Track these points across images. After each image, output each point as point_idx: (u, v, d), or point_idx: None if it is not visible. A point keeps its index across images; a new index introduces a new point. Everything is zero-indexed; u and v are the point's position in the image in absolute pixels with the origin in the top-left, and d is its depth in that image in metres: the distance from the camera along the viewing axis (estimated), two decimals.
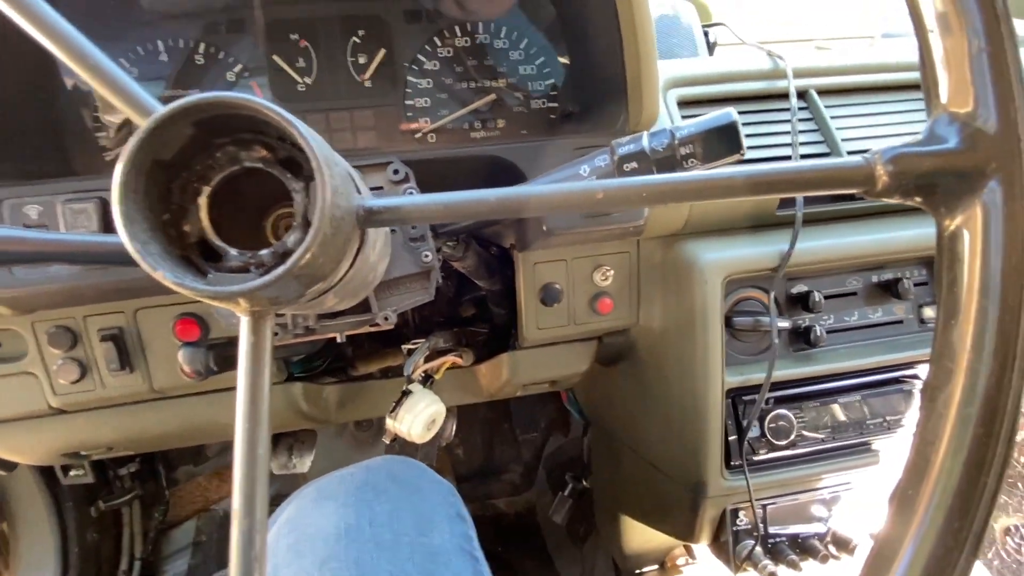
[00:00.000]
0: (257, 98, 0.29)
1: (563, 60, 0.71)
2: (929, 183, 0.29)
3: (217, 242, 0.31)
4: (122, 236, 0.27)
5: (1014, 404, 0.28)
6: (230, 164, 0.32)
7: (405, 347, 0.76)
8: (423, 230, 0.51)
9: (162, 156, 0.29)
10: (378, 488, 0.49)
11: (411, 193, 0.52)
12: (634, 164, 0.45)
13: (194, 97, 0.28)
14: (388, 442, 0.71)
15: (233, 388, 0.31)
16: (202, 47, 0.65)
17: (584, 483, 1.30)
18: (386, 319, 0.49)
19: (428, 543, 0.46)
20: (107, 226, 0.55)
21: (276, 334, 0.50)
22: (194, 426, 0.73)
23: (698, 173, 0.30)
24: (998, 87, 0.28)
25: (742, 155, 0.45)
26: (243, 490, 0.30)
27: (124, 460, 1.17)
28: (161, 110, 0.28)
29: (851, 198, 0.76)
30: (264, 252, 0.31)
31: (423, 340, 0.75)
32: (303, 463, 1.26)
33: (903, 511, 0.29)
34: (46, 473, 1.06)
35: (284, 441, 1.27)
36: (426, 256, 0.50)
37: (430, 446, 1.31)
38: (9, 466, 0.86)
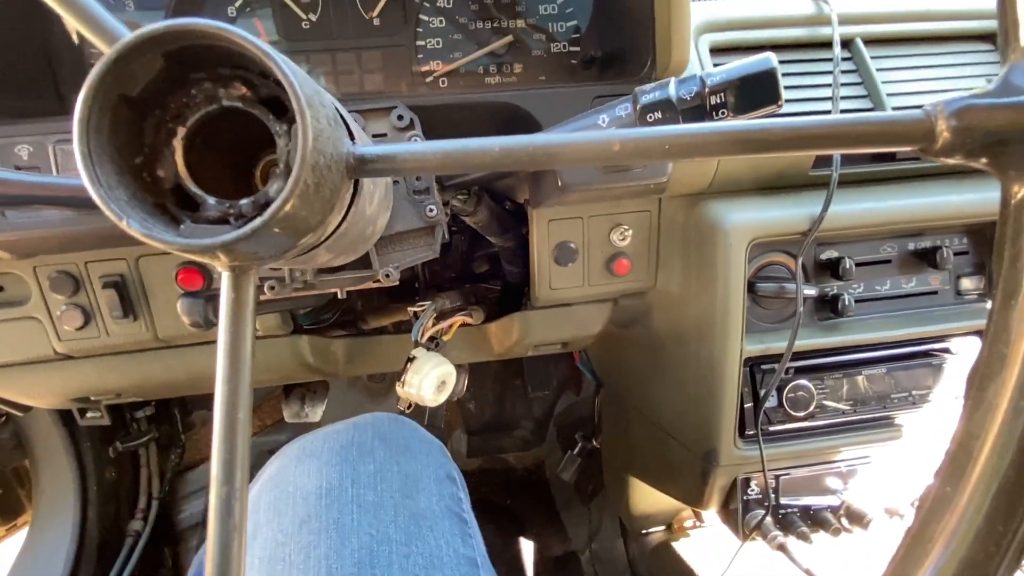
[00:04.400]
0: (233, 27, 0.25)
1: None
2: (999, 141, 0.25)
3: (193, 189, 0.29)
4: (83, 178, 0.25)
5: None
6: (207, 103, 0.29)
7: (411, 309, 0.74)
8: (428, 182, 0.47)
9: (129, 91, 0.26)
10: (363, 448, 0.47)
11: (415, 141, 0.48)
12: (658, 114, 0.41)
13: (162, 24, 0.25)
14: (405, 409, 0.69)
15: None
16: None
17: (594, 443, 1.29)
18: (387, 276, 0.47)
19: (413, 505, 0.44)
20: None
21: (273, 288, 0.47)
22: (200, 375, 0.72)
23: (730, 124, 0.27)
24: None
25: (779, 107, 0.41)
26: (222, 456, 0.27)
27: (140, 404, 1.18)
28: (125, 38, 0.25)
29: (892, 158, 0.70)
30: (244, 202, 0.28)
31: (428, 303, 0.72)
32: (315, 412, 1.27)
33: (938, 509, 0.26)
34: (64, 414, 1.08)
35: (296, 391, 1.27)
36: (431, 210, 0.47)
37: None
38: (23, 408, 0.87)
